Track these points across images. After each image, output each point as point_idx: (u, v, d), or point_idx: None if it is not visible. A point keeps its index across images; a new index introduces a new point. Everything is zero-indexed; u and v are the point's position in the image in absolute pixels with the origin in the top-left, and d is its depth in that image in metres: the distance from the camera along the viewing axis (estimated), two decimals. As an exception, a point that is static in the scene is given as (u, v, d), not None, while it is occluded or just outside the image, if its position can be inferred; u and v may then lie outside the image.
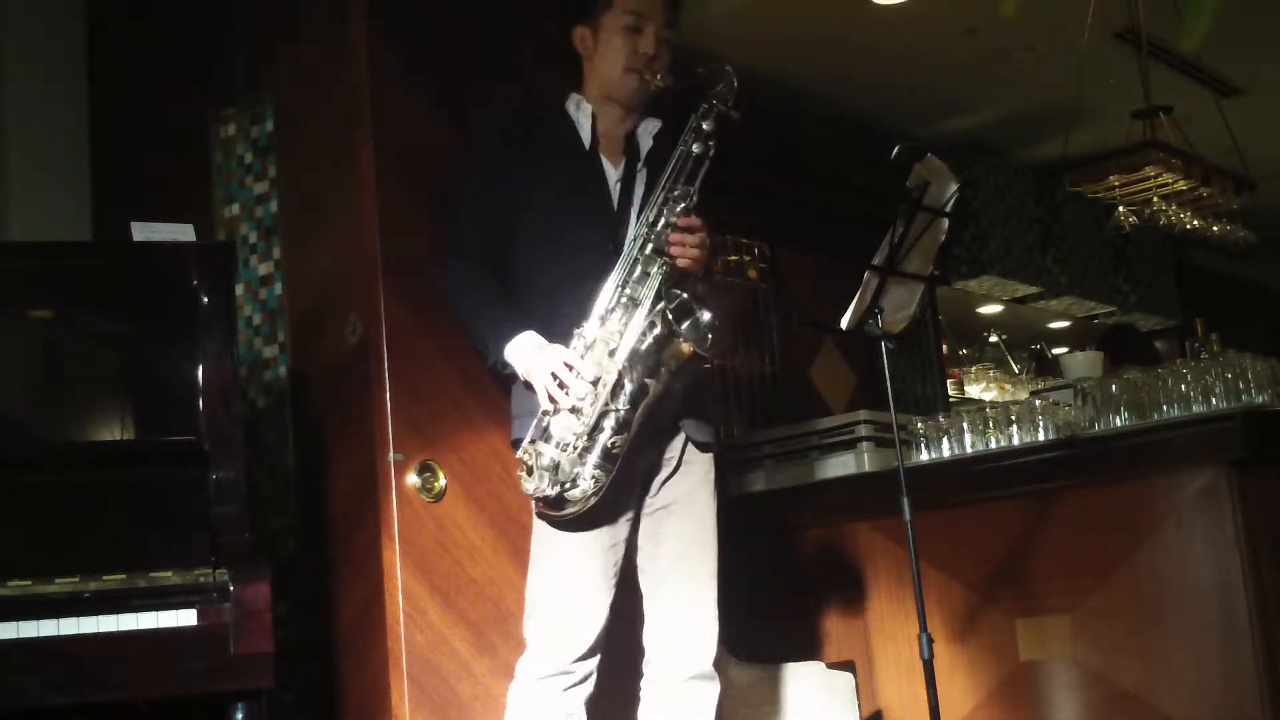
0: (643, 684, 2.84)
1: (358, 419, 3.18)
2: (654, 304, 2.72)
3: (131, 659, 2.47)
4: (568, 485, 2.65)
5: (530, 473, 2.69)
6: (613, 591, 2.77)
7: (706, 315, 2.70)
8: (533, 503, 2.75)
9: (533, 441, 2.71)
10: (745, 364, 5.44)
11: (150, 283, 2.83)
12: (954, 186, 3.13)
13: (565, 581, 2.74)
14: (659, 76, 2.88)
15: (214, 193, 3.58)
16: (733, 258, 5.45)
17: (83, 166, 3.99)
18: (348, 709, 3.14)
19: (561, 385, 2.67)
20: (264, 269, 3.46)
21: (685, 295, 2.70)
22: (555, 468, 2.66)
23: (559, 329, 2.77)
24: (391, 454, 3.11)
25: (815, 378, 5.77)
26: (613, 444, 2.66)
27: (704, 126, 2.80)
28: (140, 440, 2.76)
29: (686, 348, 2.69)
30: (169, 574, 2.55)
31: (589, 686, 2.74)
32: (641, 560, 2.87)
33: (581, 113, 2.98)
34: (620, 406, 2.67)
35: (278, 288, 3.42)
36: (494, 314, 2.84)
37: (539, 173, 2.90)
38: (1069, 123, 4.96)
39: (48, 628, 2.44)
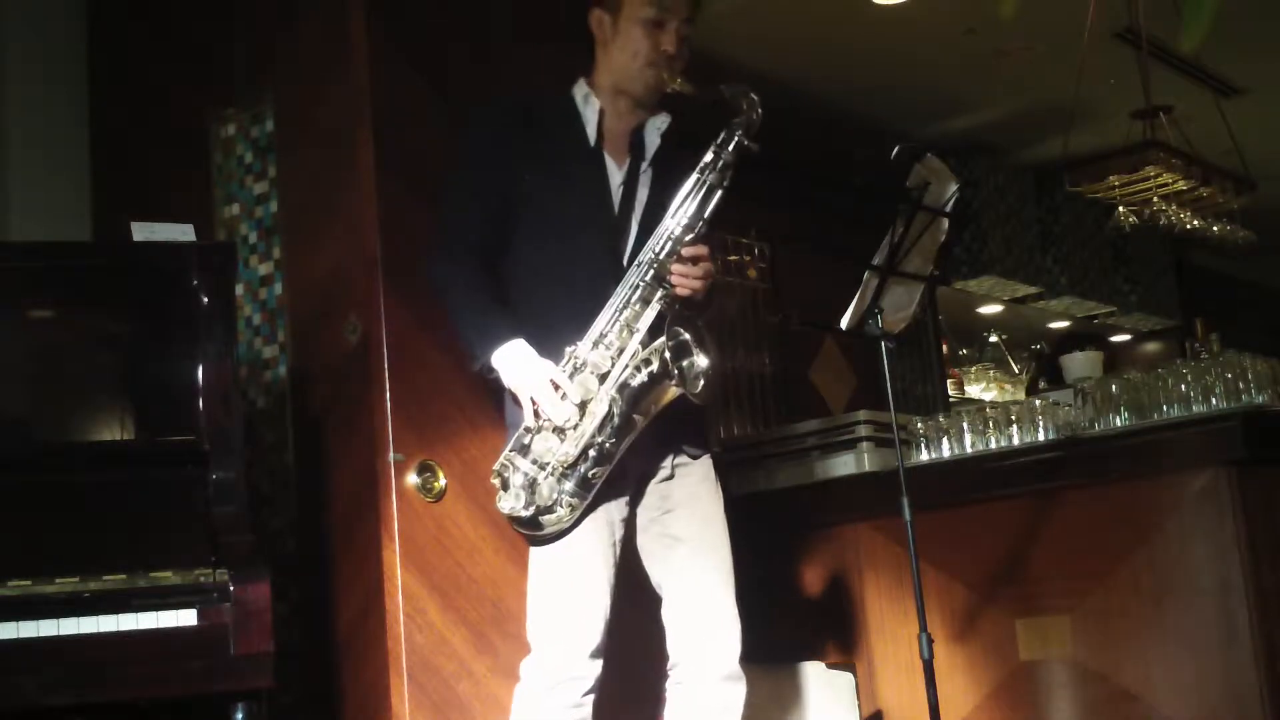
0: (669, 686, 2.80)
1: (358, 419, 3.18)
2: (650, 335, 2.66)
3: (131, 659, 2.47)
4: (544, 509, 2.63)
5: (506, 487, 2.66)
6: (614, 590, 2.74)
7: (703, 361, 2.65)
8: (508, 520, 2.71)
9: (511, 453, 2.68)
10: (745, 364, 5.45)
11: (150, 283, 2.83)
12: (954, 186, 3.12)
13: (569, 580, 2.70)
14: (679, 81, 2.78)
15: (214, 193, 3.58)
16: (733, 257, 5.45)
17: (83, 166, 3.99)
18: (348, 709, 3.14)
19: (548, 404, 2.64)
20: (264, 269, 3.46)
21: (686, 336, 2.65)
22: (532, 487, 2.64)
23: (549, 339, 2.71)
24: (391, 454, 3.11)
25: (815, 378, 5.77)
26: (592, 474, 2.64)
27: (723, 160, 2.72)
28: (140, 440, 2.76)
29: (674, 390, 2.65)
30: (169, 574, 2.55)
31: (596, 688, 2.71)
32: (655, 566, 2.83)
33: (589, 107, 2.87)
34: (605, 439, 2.64)
35: (278, 288, 3.42)
36: (484, 316, 2.75)
37: (540, 170, 2.82)
38: (1069, 123, 4.96)
39: (48, 628, 2.44)
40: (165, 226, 2.88)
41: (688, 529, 2.81)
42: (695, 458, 2.85)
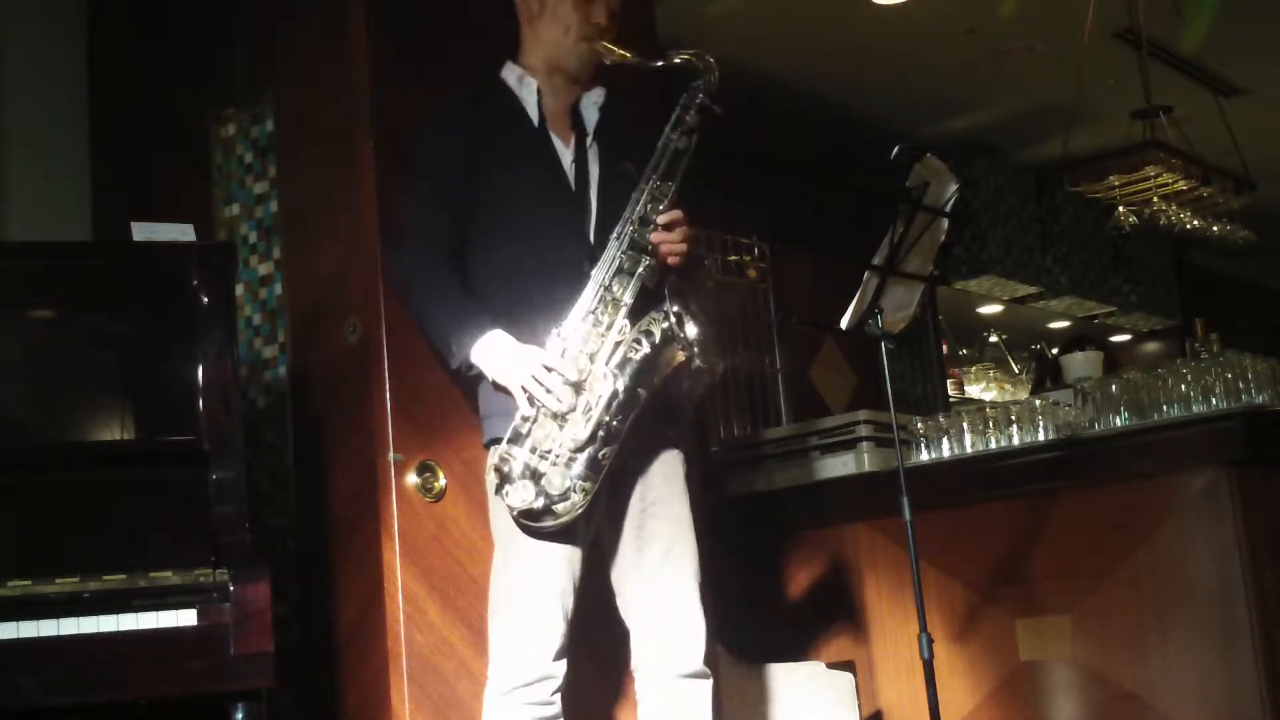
0: (637, 687, 2.78)
1: (358, 419, 3.18)
2: (640, 306, 2.63)
3: (131, 659, 2.46)
4: (557, 498, 2.57)
5: (509, 480, 2.60)
6: (578, 587, 2.69)
7: (693, 330, 2.61)
8: (511, 512, 2.64)
9: (508, 445, 2.61)
10: (745, 364, 5.45)
11: (150, 283, 2.82)
12: (954, 186, 3.13)
13: (528, 583, 2.65)
14: (618, 50, 2.74)
15: (214, 193, 3.58)
16: (733, 257, 5.45)
17: (83, 166, 3.99)
18: (348, 709, 3.14)
19: (544, 389, 2.59)
20: (264, 269, 3.46)
21: (677, 307, 2.61)
22: (535, 476, 2.58)
23: (525, 325, 2.66)
24: (391, 454, 3.11)
25: (815, 378, 5.78)
26: (602, 455, 2.58)
27: (686, 119, 2.70)
28: (140, 440, 2.76)
29: (680, 356, 2.61)
30: (169, 574, 2.55)
31: (563, 685, 2.67)
32: (623, 564, 2.78)
33: (525, 88, 2.82)
34: (612, 418, 2.58)
35: (278, 288, 3.42)
36: (457, 311, 2.70)
37: (493, 158, 2.77)
38: (1069, 123, 4.97)
39: (48, 628, 2.43)
40: (165, 226, 2.88)
41: (661, 528, 2.76)
42: (672, 442, 2.81)
